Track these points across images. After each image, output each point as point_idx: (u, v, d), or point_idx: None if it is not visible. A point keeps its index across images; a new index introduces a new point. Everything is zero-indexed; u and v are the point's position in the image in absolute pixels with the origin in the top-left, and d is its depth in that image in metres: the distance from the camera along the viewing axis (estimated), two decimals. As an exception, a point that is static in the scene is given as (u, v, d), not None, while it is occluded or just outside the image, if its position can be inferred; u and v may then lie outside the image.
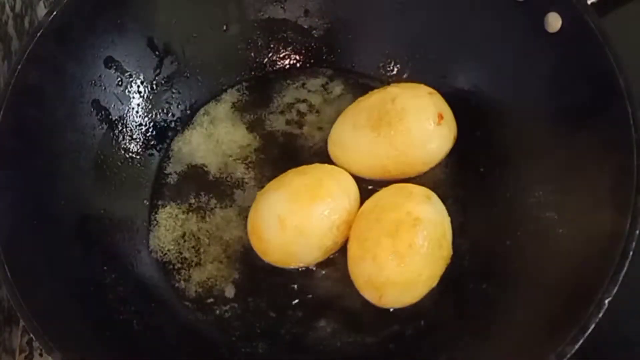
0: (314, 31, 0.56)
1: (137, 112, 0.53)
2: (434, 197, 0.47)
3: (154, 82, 0.54)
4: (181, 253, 0.50)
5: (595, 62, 0.42)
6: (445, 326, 0.45)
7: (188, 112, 0.55)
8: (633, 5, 0.57)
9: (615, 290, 0.37)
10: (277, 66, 0.57)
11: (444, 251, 0.46)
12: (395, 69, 0.55)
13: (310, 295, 0.48)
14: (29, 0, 0.57)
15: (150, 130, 0.54)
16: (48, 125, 0.47)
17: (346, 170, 0.49)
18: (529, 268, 0.43)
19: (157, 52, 0.53)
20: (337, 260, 0.49)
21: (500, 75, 0.49)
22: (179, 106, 0.55)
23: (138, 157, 0.53)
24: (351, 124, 0.50)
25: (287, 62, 0.57)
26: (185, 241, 0.51)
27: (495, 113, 0.50)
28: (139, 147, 0.53)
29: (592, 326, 0.36)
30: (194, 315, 0.48)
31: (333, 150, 0.51)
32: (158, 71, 0.54)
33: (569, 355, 0.36)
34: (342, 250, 0.48)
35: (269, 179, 0.51)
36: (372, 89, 0.54)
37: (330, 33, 0.56)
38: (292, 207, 0.46)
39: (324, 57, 0.57)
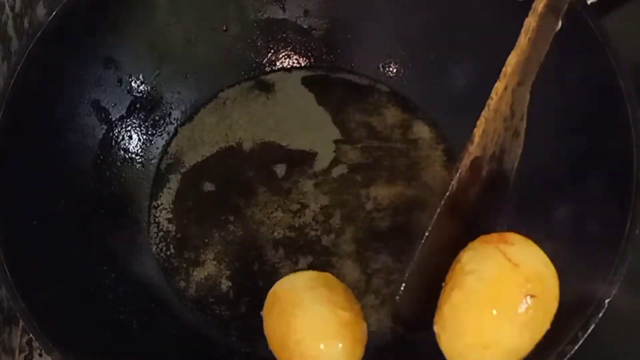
0: (314, 31, 0.56)
1: (136, 112, 0.53)
2: None
3: (154, 82, 0.54)
4: (181, 253, 0.50)
5: (595, 62, 0.42)
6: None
7: (188, 112, 0.55)
8: (633, 5, 0.57)
9: (615, 291, 0.37)
10: (277, 66, 0.57)
11: None
12: (395, 69, 0.55)
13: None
14: (28, 0, 0.57)
15: (150, 130, 0.54)
16: (48, 126, 0.47)
17: None
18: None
19: (157, 52, 0.53)
20: (336, 262, 0.49)
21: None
22: (179, 106, 0.55)
23: (138, 157, 0.53)
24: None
25: (286, 62, 0.57)
26: (185, 241, 0.51)
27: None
28: (139, 147, 0.53)
29: (592, 326, 0.36)
30: (194, 315, 0.48)
31: None
32: (158, 71, 0.54)
33: (569, 355, 0.36)
34: (337, 257, 0.49)
35: (270, 179, 0.51)
36: (371, 88, 0.54)
37: (330, 33, 0.56)
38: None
39: (324, 57, 0.57)
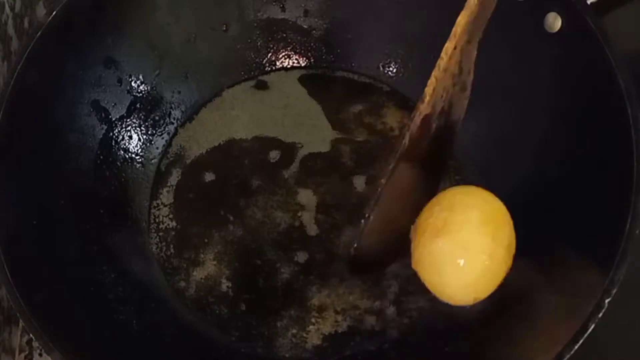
0: (314, 31, 0.56)
1: (136, 112, 0.53)
2: None
3: (154, 82, 0.54)
4: (181, 253, 0.50)
5: (595, 62, 0.42)
6: (443, 332, 0.45)
7: (188, 112, 0.55)
8: (633, 5, 0.57)
9: (615, 291, 0.37)
10: (277, 66, 0.57)
11: None
12: (395, 69, 0.55)
13: (310, 297, 0.48)
14: (28, 0, 0.57)
15: (150, 130, 0.54)
16: (48, 126, 0.47)
17: None
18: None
19: (157, 52, 0.53)
20: (336, 260, 0.49)
21: (498, 75, 0.49)
22: (179, 106, 0.55)
23: (138, 157, 0.53)
24: None
25: (286, 61, 0.57)
26: (185, 241, 0.51)
27: (494, 113, 0.50)
28: (138, 147, 0.53)
29: (592, 326, 0.36)
30: (194, 315, 0.48)
31: None
32: (158, 71, 0.54)
33: (568, 355, 0.36)
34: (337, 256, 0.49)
35: (269, 179, 0.51)
36: (372, 88, 0.54)
37: (330, 33, 0.56)
38: None
39: (324, 57, 0.57)
